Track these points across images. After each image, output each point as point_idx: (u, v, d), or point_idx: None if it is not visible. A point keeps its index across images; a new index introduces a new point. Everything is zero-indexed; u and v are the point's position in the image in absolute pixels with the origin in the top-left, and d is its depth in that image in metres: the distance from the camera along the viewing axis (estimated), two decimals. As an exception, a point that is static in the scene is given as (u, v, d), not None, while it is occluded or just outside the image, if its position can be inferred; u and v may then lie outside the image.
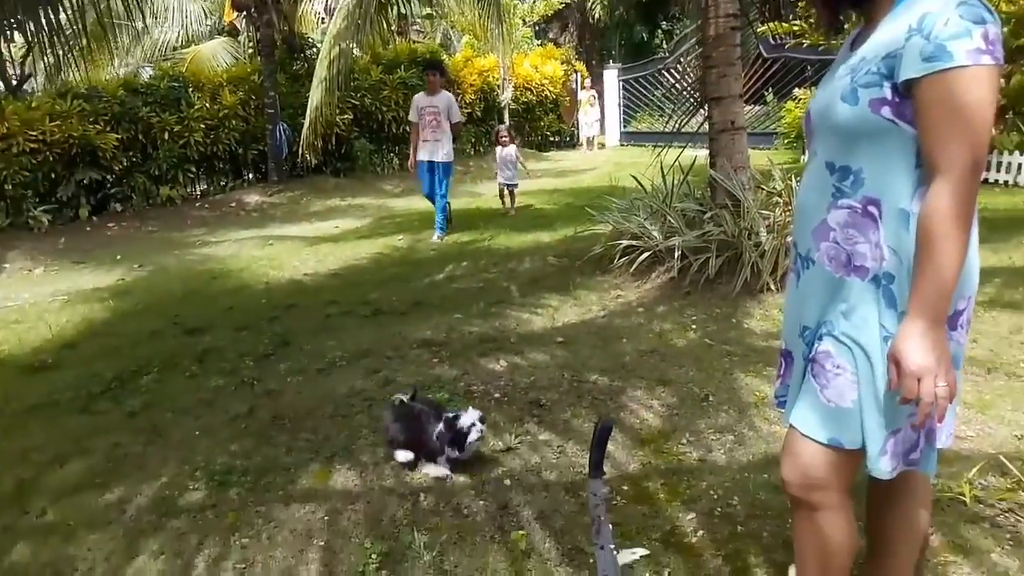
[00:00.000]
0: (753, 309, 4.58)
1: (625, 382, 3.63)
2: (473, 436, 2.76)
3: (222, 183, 12.54)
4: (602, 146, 18.47)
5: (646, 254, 5.33)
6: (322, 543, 2.45)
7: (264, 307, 5.66)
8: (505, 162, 9.03)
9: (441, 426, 2.80)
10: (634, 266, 5.36)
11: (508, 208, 9.22)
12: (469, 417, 2.78)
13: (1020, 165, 7.83)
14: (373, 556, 2.34)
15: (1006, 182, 7.99)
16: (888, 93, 1.38)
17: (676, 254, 5.16)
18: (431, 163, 7.73)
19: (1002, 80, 8.34)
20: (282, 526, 2.57)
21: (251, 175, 12.92)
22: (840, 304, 1.50)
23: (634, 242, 5.49)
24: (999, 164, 8.05)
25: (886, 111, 1.39)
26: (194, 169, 11.79)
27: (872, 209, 1.44)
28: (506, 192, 9.25)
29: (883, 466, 1.48)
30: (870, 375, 1.45)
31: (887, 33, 1.40)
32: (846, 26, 1.68)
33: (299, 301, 5.74)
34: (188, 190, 11.98)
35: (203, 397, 3.83)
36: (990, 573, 2.09)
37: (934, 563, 2.14)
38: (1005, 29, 8.41)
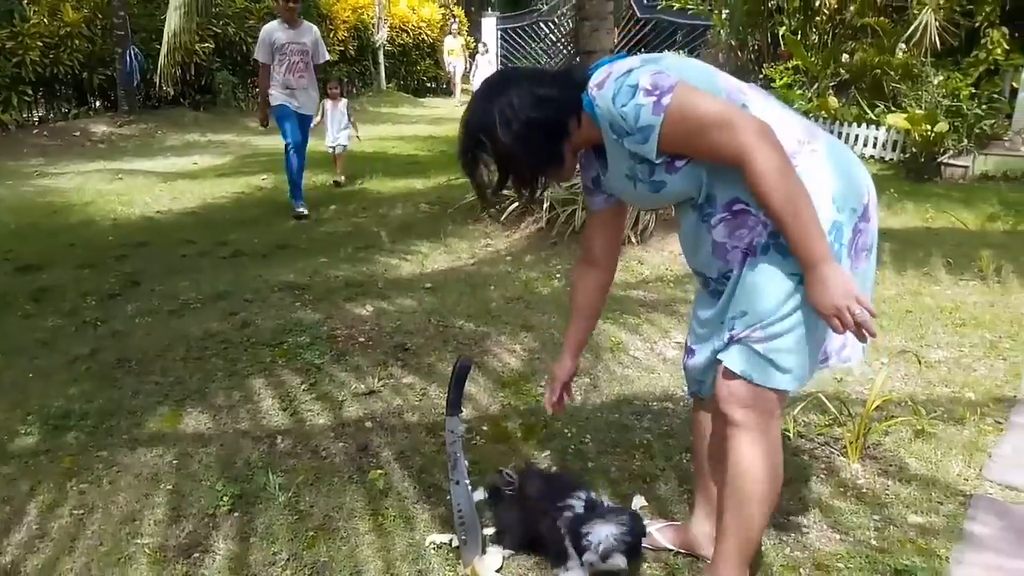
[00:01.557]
0: (615, 260, 4.75)
1: (490, 327, 3.69)
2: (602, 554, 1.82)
3: (64, 110, 11.42)
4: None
5: (516, 204, 5.38)
6: (170, 487, 2.37)
7: (111, 244, 5.28)
8: (334, 120, 7.45)
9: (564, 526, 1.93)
10: (504, 215, 5.41)
11: (339, 176, 7.50)
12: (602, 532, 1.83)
13: (858, 136, 8.50)
14: (225, 498, 2.28)
15: (846, 152, 8.65)
16: (666, 161, 1.56)
17: (545, 205, 5.25)
18: (301, 116, 6.16)
19: (845, 56, 8.96)
20: (126, 470, 2.45)
21: (98, 103, 11.84)
22: (748, 288, 1.61)
23: (504, 191, 5.52)
24: (840, 135, 8.70)
25: (679, 163, 1.56)
26: (31, 92, 10.66)
27: (739, 207, 1.57)
28: (336, 155, 7.56)
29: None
30: (798, 317, 1.58)
31: (613, 153, 1.62)
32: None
33: (151, 239, 5.39)
34: (24, 115, 10.84)
35: (39, 338, 3.55)
36: (807, 497, 2.32)
37: (759, 491, 2.35)
38: (852, 8, 9.01)
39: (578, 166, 1.78)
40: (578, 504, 1.92)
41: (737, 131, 1.45)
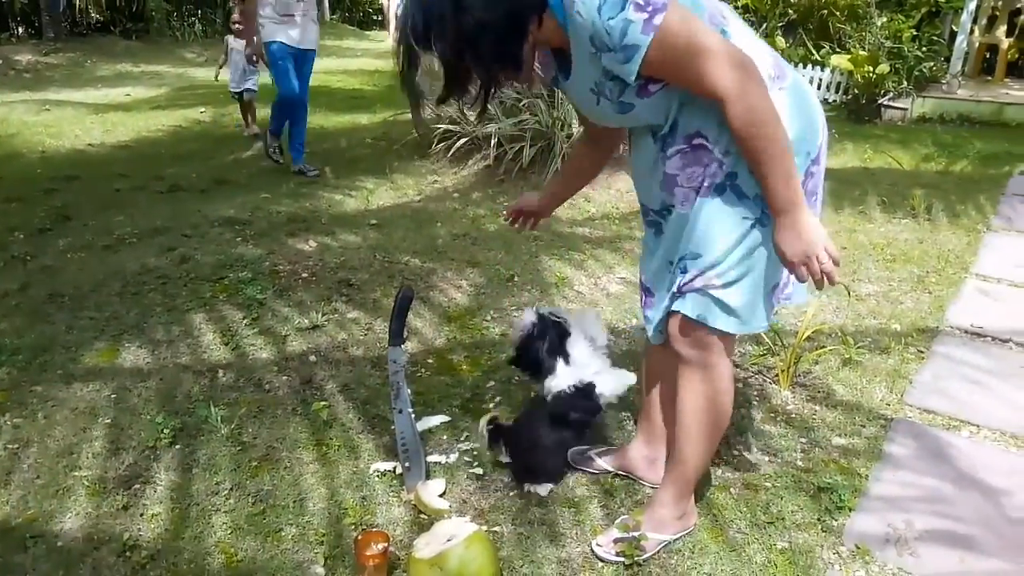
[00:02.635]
0: (562, 198, 4.76)
1: (436, 263, 3.68)
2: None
3: (-17, 35, 10.76)
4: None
5: (464, 140, 5.32)
6: (108, 420, 2.33)
7: (39, 178, 5.05)
8: (239, 58, 6.08)
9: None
10: (451, 152, 5.34)
11: (250, 126, 6.42)
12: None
13: (804, 77, 8.60)
14: (165, 431, 2.27)
15: (792, 93, 8.75)
16: (640, 84, 1.46)
17: (492, 142, 5.19)
18: (304, 52, 5.06)
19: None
20: (62, 405, 2.40)
21: (21, 29, 11.16)
22: (699, 230, 1.57)
23: (452, 127, 5.45)
24: (788, 75, 8.78)
25: (653, 87, 1.48)
26: (-57, 15, 9.99)
27: (699, 141, 1.52)
28: (245, 102, 6.41)
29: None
30: (752, 262, 1.57)
31: (582, 64, 1.49)
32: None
33: (82, 173, 5.17)
34: (-63, 41, 10.18)
35: (-37, 274, 3.41)
36: (740, 422, 2.41)
37: (694, 417, 2.44)
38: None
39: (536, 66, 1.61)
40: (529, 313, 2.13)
41: (724, 64, 1.37)
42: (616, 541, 1.83)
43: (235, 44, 6.05)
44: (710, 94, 1.40)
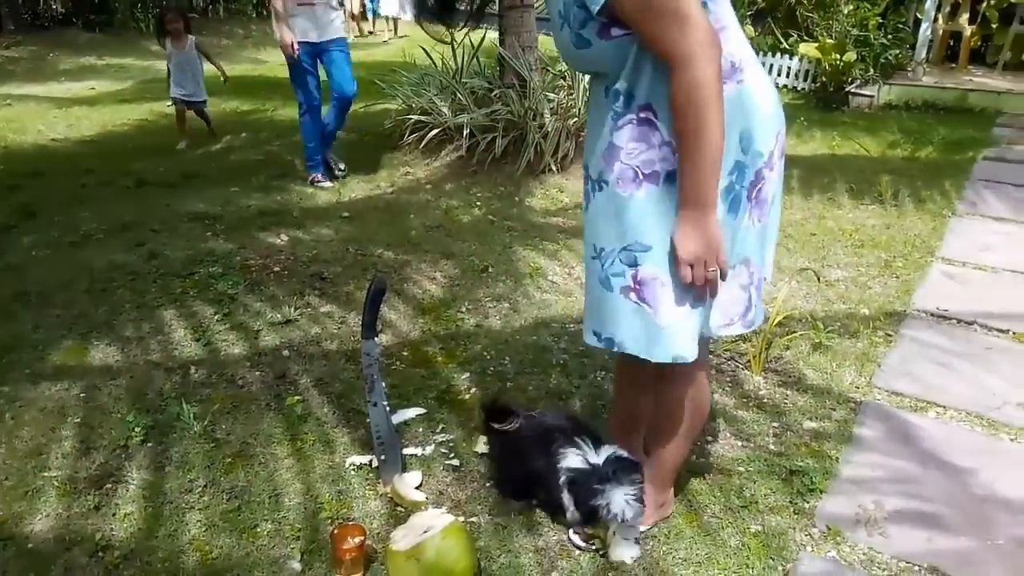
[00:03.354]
0: (535, 188, 4.77)
1: (410, 255, 3.67)
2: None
3: (-61, 28, 10.47)
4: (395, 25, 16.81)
5: (436, 131, 5.29)
6: (78, 420, 2.30)
7: (2, 174, 4.94)
8: (182, 66, 5.67)
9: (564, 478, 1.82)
10: (424, 143, 5.31)
11: (187, 140, 5.76)
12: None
13: (772, 66, 8.66)
14: (137, 429, 2.24)
15: (762, 81, 8.82)
16: (603, 20, 1.38)
17: (465, 132, 5.17)
18: (318, 51, 4.50)
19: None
20: (30, 405, 2.36)
21: (-21, 22, 10.90)
22: (638, 221, 1.49)
23: (424, 118, 5.41)
24: (758, 64, 8.84)
25: (616, 31, 1.39)
26: (-102, 7, 9.70)
27: (646, 115, 1.44)
28: (195, 113, 5.91)
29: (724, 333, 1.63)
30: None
31: None
32: None
33: (47, 169, 5.06)
34: None
35: (-76, 273, 3.33)
36: (713, 409, 2.43)
37: (668, 404, 2.46)
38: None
39: None
40: (576, 458, 1.79)
41: (691, 32, 1.30)
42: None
43: (173, 52, 5.63)
44: (663, 53, 1.34)
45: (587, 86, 1.60)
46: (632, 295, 1.53)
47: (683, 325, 1.53)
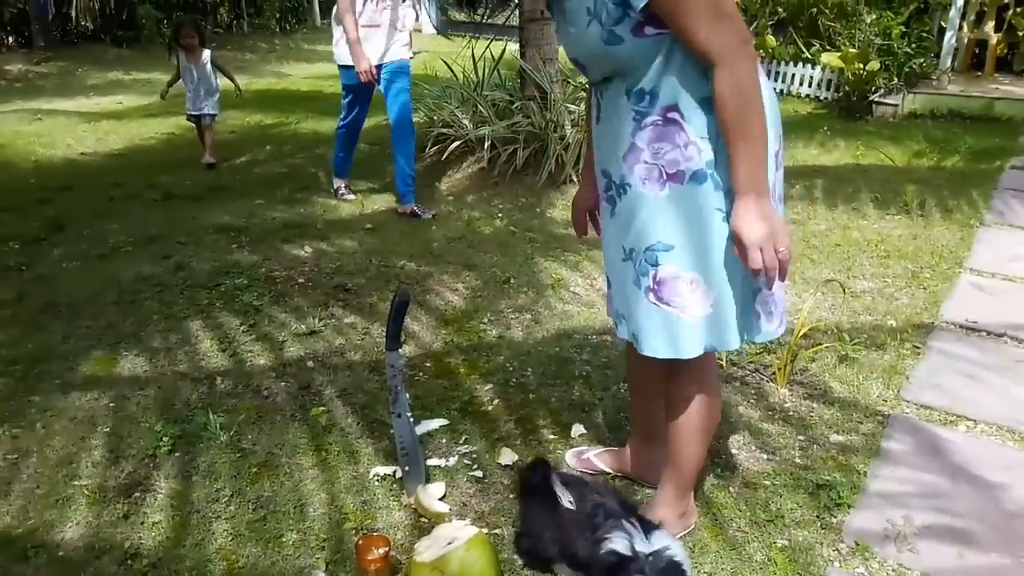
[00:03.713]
0: (556, 200, 4.78)
1: (432, 267, 3.69)
2: None
3: (-27, 46, 10.73)
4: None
5: (457, 143, 5.32)
6: (107, 429, 2.33)
7: (33, 188, 5.04)
8: (198, 79, 5.56)
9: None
10: (445, 155, 5.34)
11: (208, 156, 5.64)
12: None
13: (794, 75, 8.61)
14: (165, 439, 2.27)
15: (782, 91, 8.78)
16: (640, 18, 1.40)
17: (486, 144, 5.20)
18: (378, 68, 4.31)
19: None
20: (60, 415, 2.40)
21: (11, 39, 11.14)
22: (666, 220, 1.52)
23: (445, 130, 5.45)
24: (777, 74, 8.81)
25: (649, 30, 1.41)
26: (-66, 26, 9.96)
27: (672, 115, 1.46)
28: (203, 127, 5.69)
29: (766, 334, 1.64)
30: (722, 268, 1.52)
31: None
32: None
33: (75, 182, 5.16)
34: (-72, 51, 10.14)
35: (-42, 285, 3.40)
36: (737, 421, 2.43)
37: (692, 416, 2.45)
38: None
39: None
40: (620, 541, 1.55)
41: (731, 29, 1.36)
42: None
43: (185, 62, 5.52)
44: (704, 52, 1.37)
45: (598, 93, 1.60)
46: (651, 295, 1.58)
47: (716, 319, 1.57)
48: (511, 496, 2.08)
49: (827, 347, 2.84)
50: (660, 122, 1.48)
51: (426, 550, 1.71)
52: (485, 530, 1.92)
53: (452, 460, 2.23)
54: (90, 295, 3.26)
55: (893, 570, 1.81)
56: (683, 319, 1.57)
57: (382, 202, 4.80)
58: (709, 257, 1.53)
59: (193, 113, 5.66)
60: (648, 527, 1.59)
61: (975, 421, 2.41)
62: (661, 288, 1.56)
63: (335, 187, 4.92)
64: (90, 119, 7.50)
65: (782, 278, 1.47)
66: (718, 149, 1.47)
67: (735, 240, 1.46)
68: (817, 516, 1.99)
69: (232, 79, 5.89)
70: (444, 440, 2.34)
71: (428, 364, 2.79)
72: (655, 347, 1.62)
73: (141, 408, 2.45)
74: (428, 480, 2.11)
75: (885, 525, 1.94)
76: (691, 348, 1.60)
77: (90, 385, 2.57)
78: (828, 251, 3.91)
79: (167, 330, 2.96)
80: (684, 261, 1.54)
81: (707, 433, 1.80)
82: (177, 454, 2.23)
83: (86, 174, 5.45)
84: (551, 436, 2.36)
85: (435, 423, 2.41)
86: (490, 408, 2.52)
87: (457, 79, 6.00)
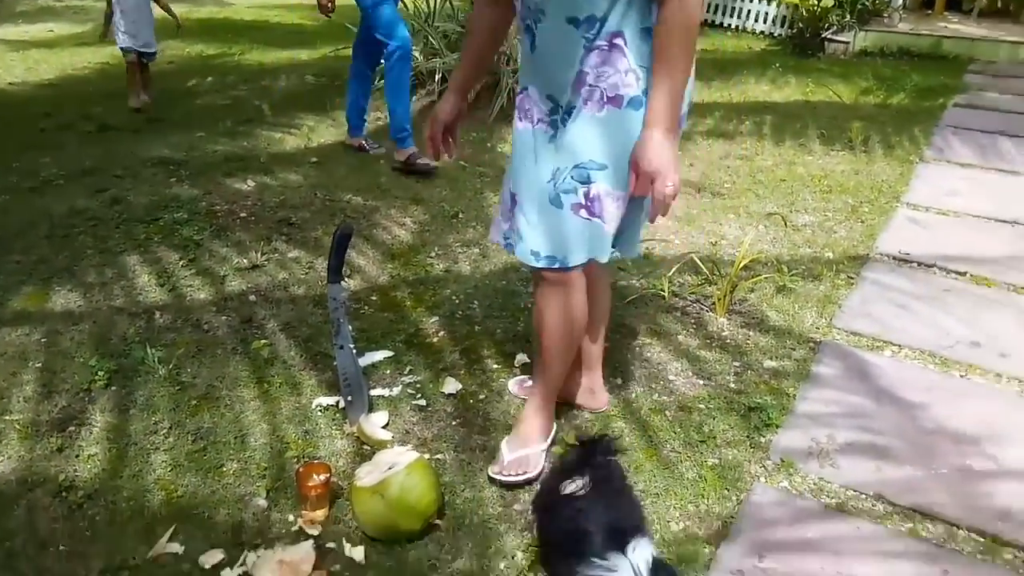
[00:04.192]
0: (507, 134, 4.72)
1: (379, 201, 3.64)
2: None
3: None
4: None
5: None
6: (39, 364, 2.28)
7: (-44, 119, 4.79)
8: (133, 11, 4.94)
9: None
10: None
11: (139, 95, 5.03)
12: None
13: (749, 11, 8.56)
14: (100, 373, 2.23)
15: (736, 27, 8.72)
16: None
17: (436, 76, 5.09)
18: None
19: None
20: (-10, 351, 2.34)
21: (-73, -40, 10.39)
22: (602, 140, 1.57)
23: (394, 62, 5.30)
24: (732, 10, 8.73)
25: None
26: None
27: (617, 41, 1.49)
28: (137, 66, 5.04)
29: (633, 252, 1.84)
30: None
31: None
32: None
33: (3, 113, 4.93)
34: None
35: None
36: (676, 349, 2.49)
37: (633, 345, 2.50)
38: None
39: None
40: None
41: None
42: (511, 463, 1.87)
43: None
44: None
45: (531, 22, 1.57)
46: (583, 212, 1.62)
47: (616, 234, 1.70)
48: (454, 423, 2.11)
49: (766, 278, 2.90)
50: (605, 47, 1.51)
51: (367, 475, 1.73)
52: (427, 455, 1.95)
53: (396, 390, 2.25)
54: (20, 229, 3.14)
55: (814, 484, 1.90)
56: (605, 230, 1.66)
57: (328, 135, 4.68)
58: (630, 179, 1.59)
59: (130, 47, 5.00)
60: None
61: (900, 346, 2.50)
62: (594, 204, 1.62)
63: (355, 143, 4.35)
64: (18, 47, 7.11)
65: (664, 213, 1.54)
66: (650, 80, 1.51)
67: (632, 166, 1.54)
68: (747, 436, 2.07)
69: (169, 11, 5.53)
70: (388, 371, 2.35)
71: (374, 298, 2.78)
72: (580, 257, 1.68)
73: (75, 343, 2.40)
74: (371, 410, 2.13)
75: (810, 443, 2.03)
76: (604, 254, 1.70)
77: (21, 320, 2.50)
78: (773, 186, 3.96)
79: (102, 264, 2.89)
80: (615, 181, 1.60)
81: (575, 346, 1.88)
82: (113, 388, 2.20)
83: (15, 104, 5.20)
84: (495, 366, 2.39)
85: (380, 355, 2.42)
86: (435, 340, 2.53)
87: (408, 9, 5.81)
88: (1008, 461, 1.98)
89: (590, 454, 1.56)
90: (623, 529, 1.40)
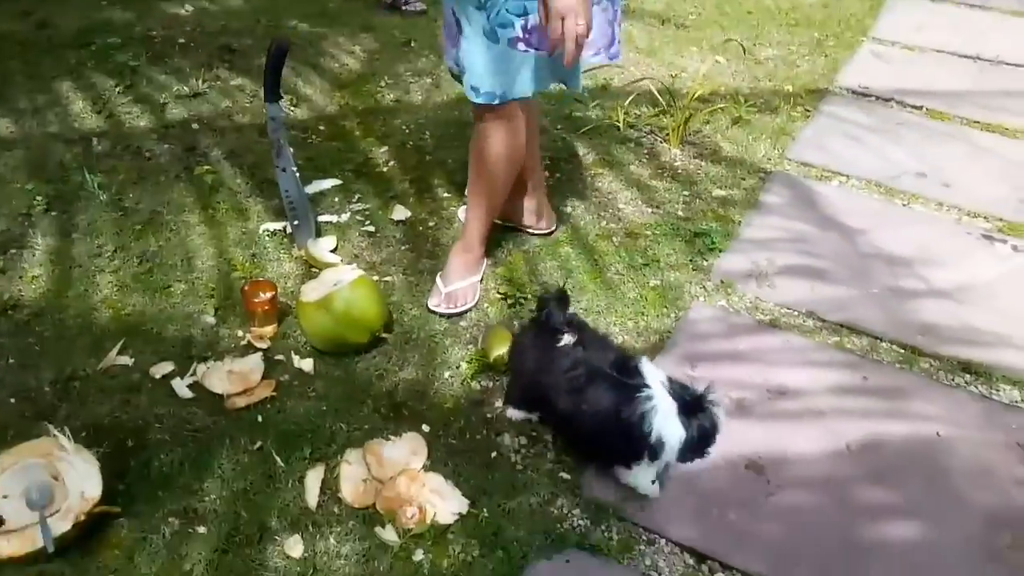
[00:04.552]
0: (465, -40, 4.43)
1: (327, 28, 3.45)
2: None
3: None
4: None
5: None
6: (-27, 189, 2.22)
7: None
8: None
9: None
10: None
11: None
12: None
13: None
14: (39, 198, 2.18)
15: None
16: None
17: None
18: None
19: None
20: (-82, 177, 2.26)
21: None
22: None
23: None
24: None
25: None
26: None
27: None
28: None
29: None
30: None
31: None
32: None
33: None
34: None
35: None
36: (628, 179, 2.49)
37: (585, 175, 2.49)
38: None
39: None
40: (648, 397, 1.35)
41: None
42: (448, 295, 1.91)
43: None
44: None
45: None
46: (520, 45, 1.59)
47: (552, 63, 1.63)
48: (403, 248, 2.12)
49: (722, 109, 2.86)
50: None
51: (312, 291, 1.75)
52: (376, 278, 1.97)
53: (344, 217, 2.24)
54: (-60, 53, 2.94)
55: (751, 303, 1.98)
56: (546, 61, 1.62)
57: (273, -41, 4.35)
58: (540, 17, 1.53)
59: None
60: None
61: (848, 176, 2.53)
62: (532, 35, 1.58)
63: None
64: None
65: (577, 52, 1.48)
66: None
67: (543, 7, 1.47)
68: (690, 260, 2.12)
69: None
70: (337, 199, 2.32)
71: (322, 127, 2.70)
72: (525, 89, 1.66)
73: (9, 168, 2.31)
74: (319, 235, 2.12)
75: (750, 266, 2.09)
76: (544, 85, 1.70)
77: (-50, 147, 2.40)
78: (739, 19, 3.82)
79: (33, 91, 2.74)
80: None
81: (513, 175, 1.88)
82: (54, 213, 2.15)
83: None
84: (445, 195, 2.38)
85: (328, 183, 2.38)
86: (385, 169, 2.49)
87: None
88: (937, 282, 2.07)
89: (560, 309, 1.52)
90: (624, 360, 1.45)
